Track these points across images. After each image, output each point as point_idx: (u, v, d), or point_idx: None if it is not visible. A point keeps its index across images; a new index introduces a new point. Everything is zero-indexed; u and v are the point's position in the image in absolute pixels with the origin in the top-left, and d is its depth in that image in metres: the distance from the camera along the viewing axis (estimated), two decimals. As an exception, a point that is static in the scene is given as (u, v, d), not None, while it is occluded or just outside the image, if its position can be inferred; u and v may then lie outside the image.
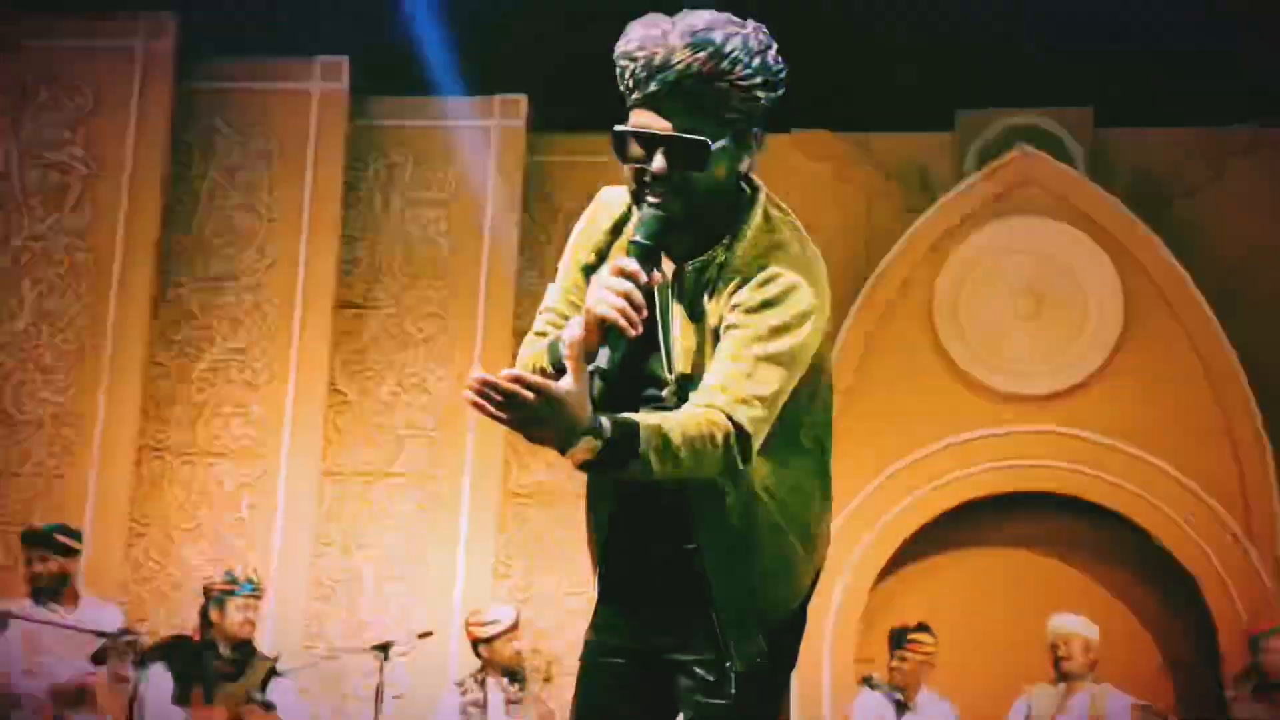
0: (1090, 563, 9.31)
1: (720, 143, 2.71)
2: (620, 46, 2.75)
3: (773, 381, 2.67)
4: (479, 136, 9.54)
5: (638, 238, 2.68)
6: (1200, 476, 8.96)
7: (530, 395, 2.42)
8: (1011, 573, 9.29)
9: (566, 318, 2.80)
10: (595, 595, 3.04)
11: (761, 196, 2.83)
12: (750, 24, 2.73)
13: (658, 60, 2.68)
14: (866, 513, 9.07)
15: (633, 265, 2.63)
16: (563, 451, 2.50)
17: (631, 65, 2.72)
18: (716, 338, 2.75)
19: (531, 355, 2.85)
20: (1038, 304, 9.36)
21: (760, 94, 2.73)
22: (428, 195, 9.61)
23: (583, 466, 2.55)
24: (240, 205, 9.35)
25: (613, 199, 2.94)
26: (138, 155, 9.06)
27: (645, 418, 2.57)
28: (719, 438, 2.59)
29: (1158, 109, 9.46)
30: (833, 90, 9.11)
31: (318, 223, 9.29)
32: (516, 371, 2.49)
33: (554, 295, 2.95)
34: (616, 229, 2.88)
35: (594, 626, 3.03)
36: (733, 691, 2.82)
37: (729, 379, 2.65)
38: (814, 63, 8.62)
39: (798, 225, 2.84)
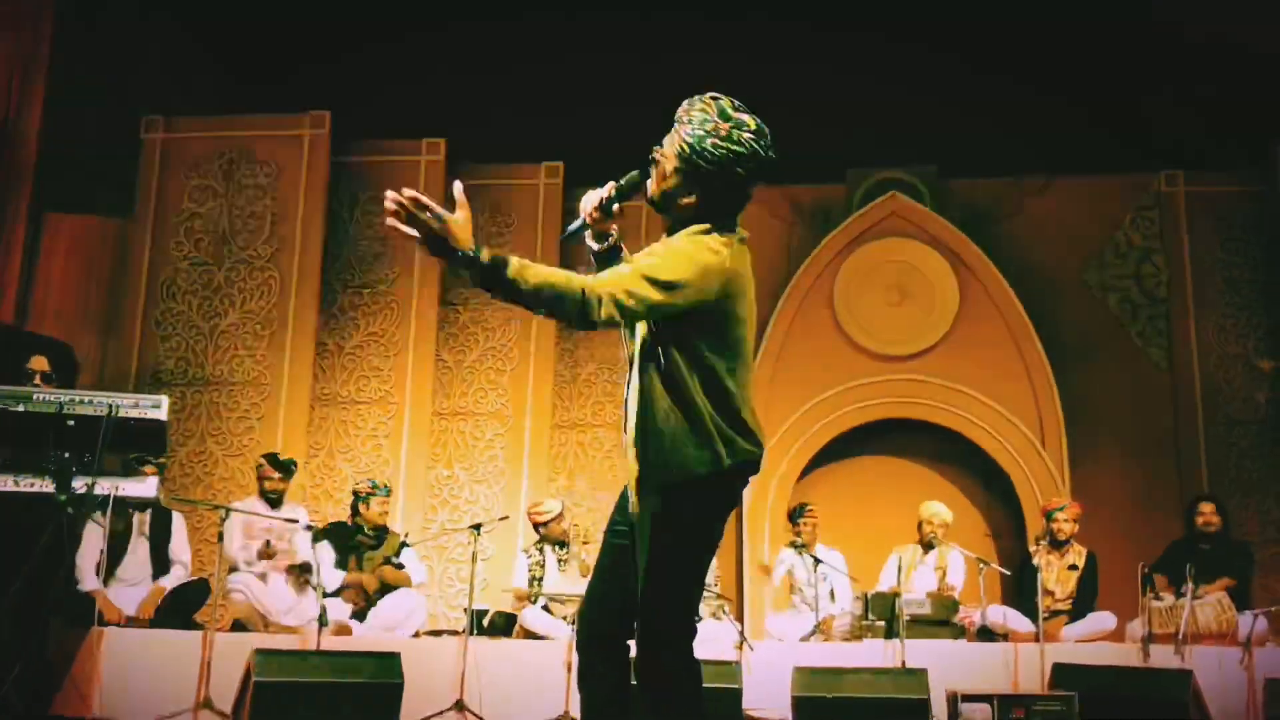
0: (937, 465, 9.25)
1: (661, 174, 2.82)
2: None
3: (639, 289, 2.64)
4: (533, 191, 9.45)
5: (621, 181, 2.88)
6: (1010, 407, 8.95)
7: (426, 214, 2.51)
8: (885, 472, 9.26)
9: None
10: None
11: (701, 225, 2.80)
12: (748, 133, 2.79)
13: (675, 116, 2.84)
14: (791, 434, 9.07)
15: (609, 189, 2.87)
16: (451, 265, 2.57)
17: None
18: None
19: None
20: (902, 295, 9.29)
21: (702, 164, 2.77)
22: (497, 228, 9.43)
23: (479, 284, 2.60)
24: (373, 237, 9.17)
25: None
26: (306, 205, 8.91)
27: (521, 259, 2.59)
28: (576, 290, 2.59)
29: (980, 165, 9.47)
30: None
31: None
32: (417, 194, 2.58)
33: None
34: None
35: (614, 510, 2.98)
36: (646, 531, 2.74)
37: (612, 274, 2.71)
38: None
39: (714, 244, 2.77)
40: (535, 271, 2.61)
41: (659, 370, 2.77)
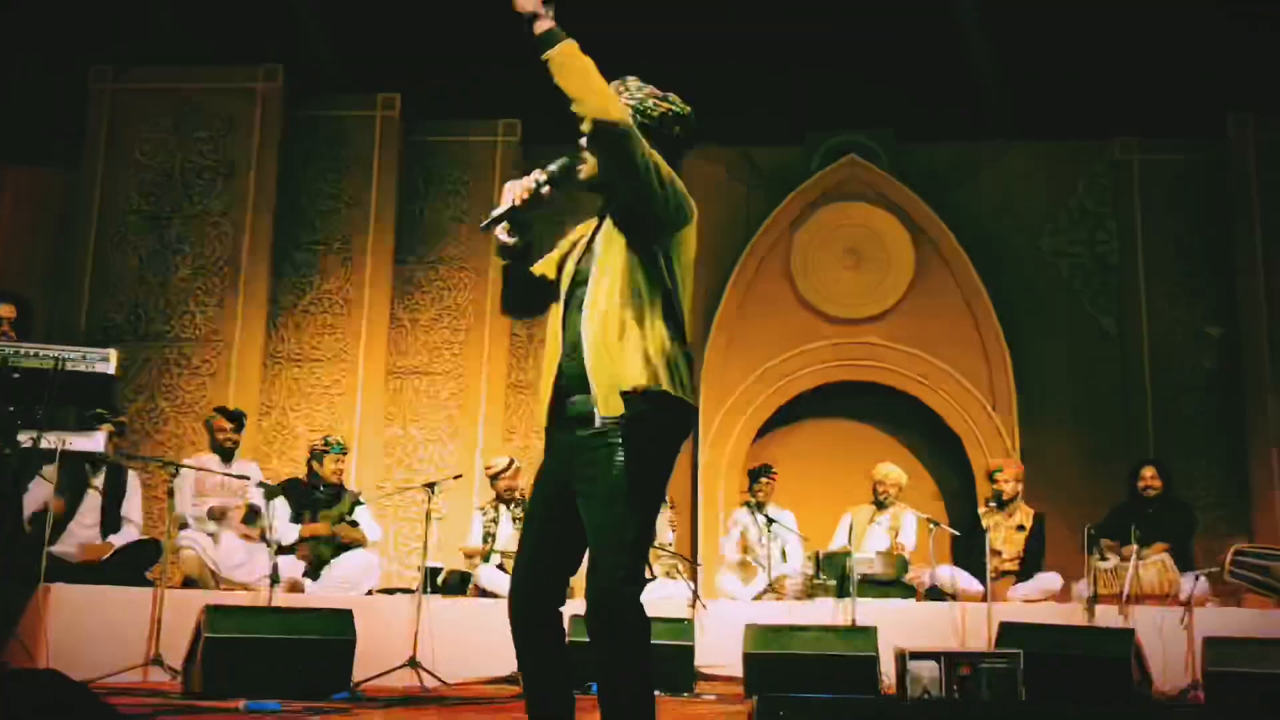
0: (890, 427, 9.32)
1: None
2: None
3: (652, 153, 2.75)
4: (490, 149, 9.36)
5: (552, 166, 2.87)
6: (962, 370, 9.03)
7: None
8: (839, 434, 9.34)
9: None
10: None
11: None
12: (675, 97, 2.94)
13: None
14: (747, 396, 9.13)
15: (539, 174, 2.84)
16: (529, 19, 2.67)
17: None
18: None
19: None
20: (858, 259, 9.31)
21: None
22: (453, 186, 9.35)
23: (539, 40, 2.67)
24: (327, 194, 9.06)
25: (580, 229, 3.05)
26: (260, 160, 8.78)
27: (573, 44, 2.67)
28: (614, 99, 2.70)
29: (937, 129, 9.50)
30: (724, 119, 9.19)
31: (381, 204, 9.02)
32: None
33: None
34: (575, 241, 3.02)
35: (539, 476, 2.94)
36: (604, 435, 2.71)
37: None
38: (712, 101, 8.76)
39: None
40: (588, 62, 2.67)
41: (622, 288, 2.78)
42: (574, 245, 3.01)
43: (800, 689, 5.68)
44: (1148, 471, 7.60)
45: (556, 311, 2.93)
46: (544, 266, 3.03)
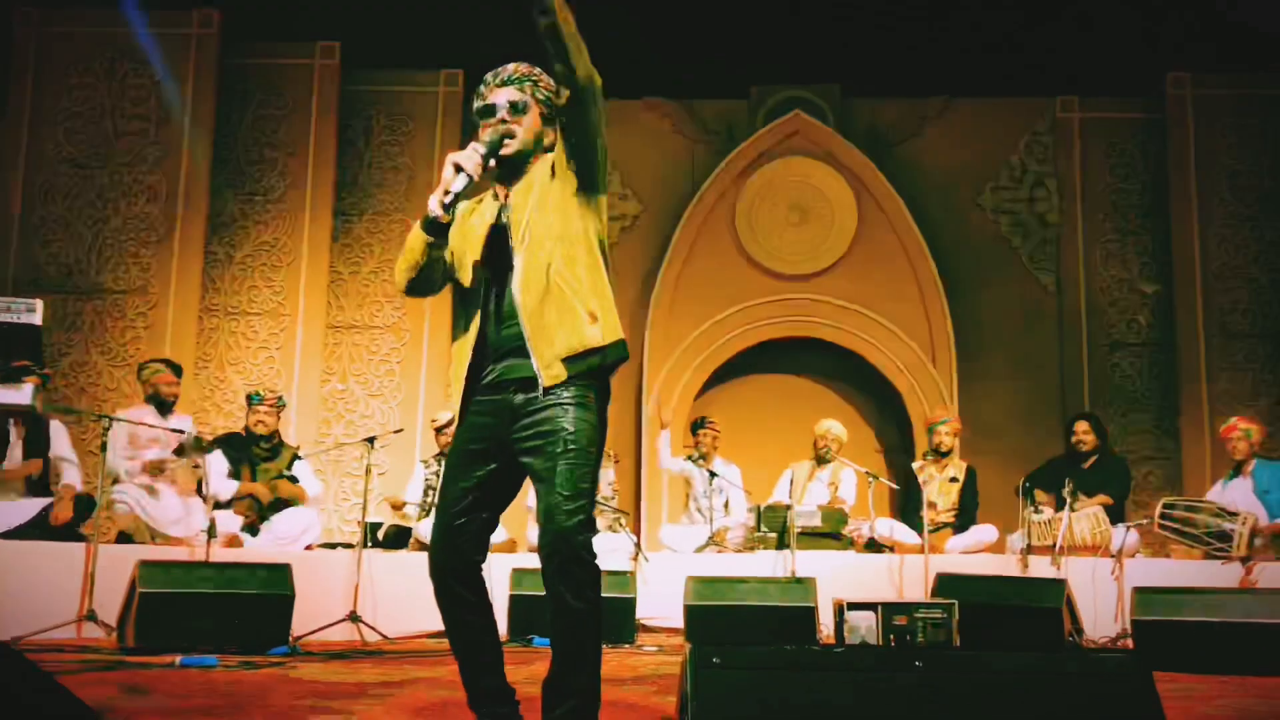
0: (832, 383, 9.42)
1: (530, 124, 2.95)
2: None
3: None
4: (431, 99, 9.22)
5: (490, 140, 2.87)
6: (903, 326, 9.11)
7: None
8: (782, 389, 9.39)
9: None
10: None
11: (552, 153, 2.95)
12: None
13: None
14: (691, 351, 9.15)
15: (480, 146, 2.84)
16: None
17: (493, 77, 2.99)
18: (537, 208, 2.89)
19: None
20: (802, 215, 9.34)
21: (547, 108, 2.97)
22: (396, 139, 9.24)
23: None
24: (265, 143, 8.93)
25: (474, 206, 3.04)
26: (195, 109, 8.61)
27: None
28: (590, 66, 2.77)
29: (882, 85, 9.45)
30: (670, 71, 9.16)
31: (320, 155, 8.91)
32: None
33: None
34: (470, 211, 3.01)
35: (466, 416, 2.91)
36: (547, 394, 2.76)
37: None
38: (658, 52, 8.70)
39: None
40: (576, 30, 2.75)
41: (563, 250, 2.84)
42: (477, 218, 2.99)
43: (740, 639, 5.74)
44: (1080, 426, 7.72)
45: (478, 284, 2.93)
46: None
